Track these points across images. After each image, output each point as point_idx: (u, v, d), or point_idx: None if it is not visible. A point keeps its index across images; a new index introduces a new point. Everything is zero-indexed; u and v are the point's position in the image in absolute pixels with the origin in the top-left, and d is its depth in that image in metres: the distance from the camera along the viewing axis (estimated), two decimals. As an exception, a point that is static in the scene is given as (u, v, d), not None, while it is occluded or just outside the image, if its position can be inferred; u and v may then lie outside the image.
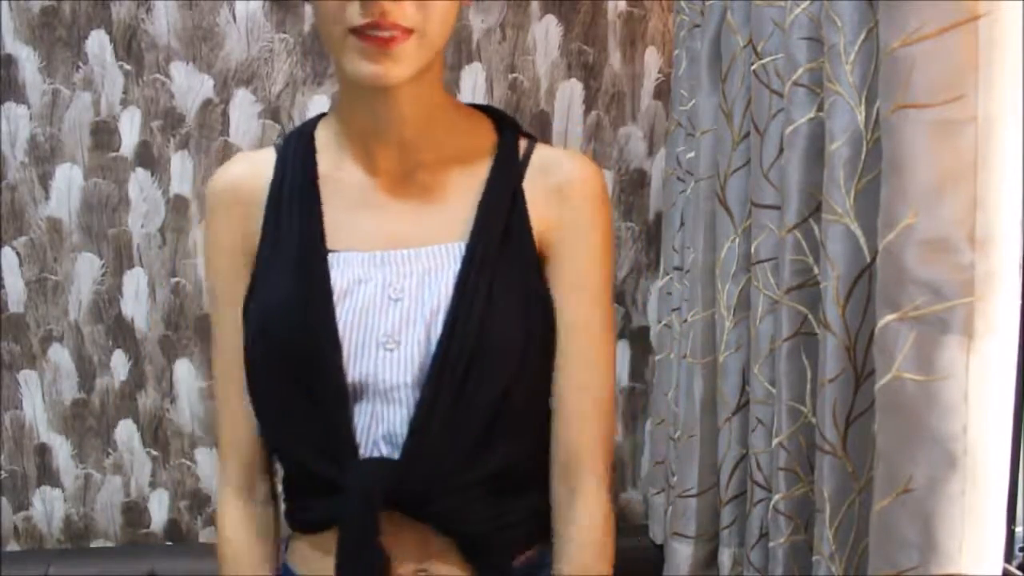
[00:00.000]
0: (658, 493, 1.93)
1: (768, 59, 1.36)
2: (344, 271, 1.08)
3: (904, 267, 0.98)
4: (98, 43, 1.93)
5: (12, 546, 2.06)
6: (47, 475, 2.04)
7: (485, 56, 1.99)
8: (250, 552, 1.20)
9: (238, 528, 1.20)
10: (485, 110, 1.20)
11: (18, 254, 1.97)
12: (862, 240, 1.11)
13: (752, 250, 1.41)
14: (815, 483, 1.21)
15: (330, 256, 1.09)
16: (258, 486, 1.22)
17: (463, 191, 1.12)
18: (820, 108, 1.22)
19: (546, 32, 2.01)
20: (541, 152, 1.16)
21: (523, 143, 1.17)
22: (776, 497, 1.32)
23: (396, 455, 1.06)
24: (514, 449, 1.11)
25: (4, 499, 2.04)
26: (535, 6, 1.99)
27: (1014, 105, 0.93)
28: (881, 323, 1.00)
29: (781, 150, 1.31)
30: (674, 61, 1.83)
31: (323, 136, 1.16)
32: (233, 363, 1.15)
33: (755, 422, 1.42)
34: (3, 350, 1.99)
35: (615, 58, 2.02)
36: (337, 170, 1.13)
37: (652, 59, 2.03)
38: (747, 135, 1.47)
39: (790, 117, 1.26)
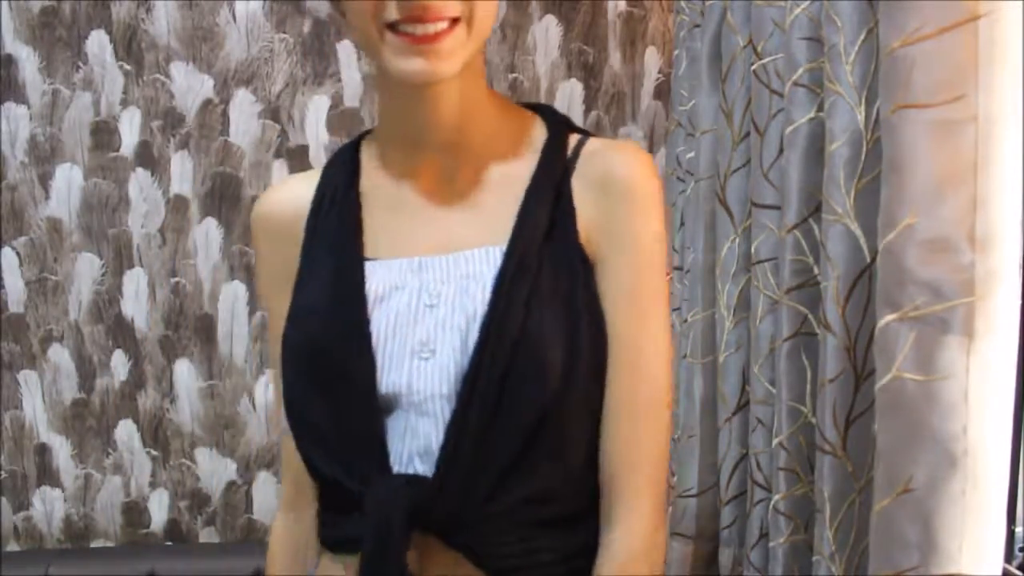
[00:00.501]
0: (658, 493, 1.93)
1: (768, 59, 1.36)
2: (381, 278, 1.02)
3: (904, 267, 0.98)
4: (98, 43, 1.93)
5: (12, 546, 2.05)
6: (47, 475, 2.04)
7: (485, 56, 1.99)
8: (278, 562, 1.17)
9: (277, 544, 1.18)
10: (536, 109, 1.12)
11: (18, 254, 1.97)
12: (862, 240, 1.11)
13: (752, 250, 1.40)
14: (815, 483, 1.21)
15: (368, 263, 1.03)
16: (306, 506, 1.13)
17: (506, 193, 1.04)
18: (820, 108, 1.21)
19: (546, 32, 2.01)
20: (591, 145, 1.05)
21: (573, 139, 1.07)
22: (776, 497, 1.32)
23: (431, 472, 0.98)
24: (556, 473, 1.01)
25: (4, 499, 2.04)
26: (535, 6, 1.99)
27: (1014, 105, 0.93)
28: (881, 323, 1.00)
29: (781, 150, 1.31)
30: (674, 61, 1.83)
31: (368, 148, 1.10)
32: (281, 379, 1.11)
33: (755, 422, 1.42)
34: (3, 350, 1.99)
35: (615, 58, 2.02)
36: (378, 179, 1.07)
37: (652, 59, 2.03)
38: (747, 135, 1.47)
39: (790, 117, 1.26)
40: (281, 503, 1.21)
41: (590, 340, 1.00)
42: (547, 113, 1.11)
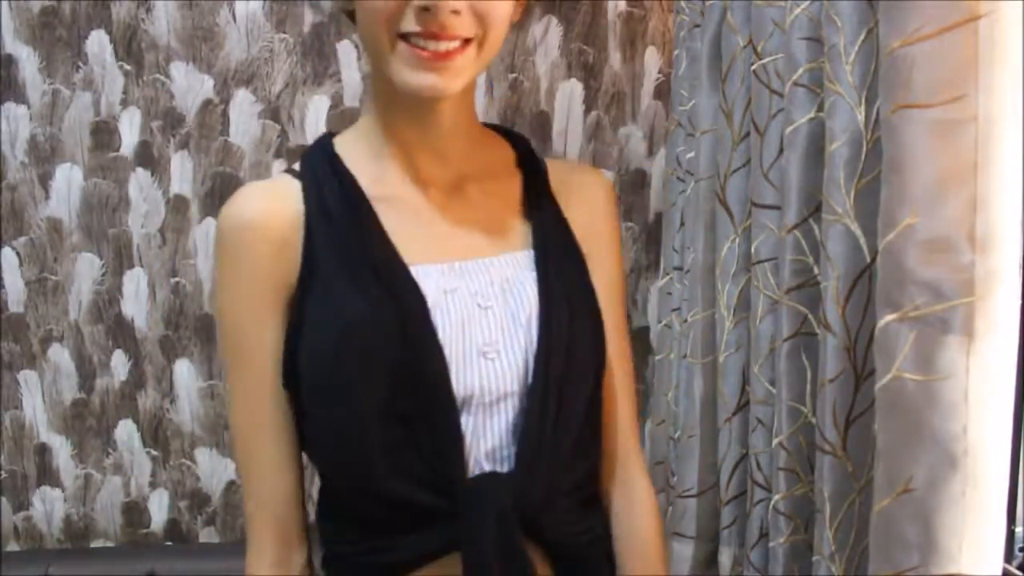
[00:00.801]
0: (658, 493, 1.93)
1: (768, 59, 1.36)
2: (428, 282, 1.01)
3: (904, 267, 0.97)
4: (98, 43, 1.93)
5: (12, 546, 2.06)
6: (47, 475, 2.04)
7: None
8: None
9: None
10: (496, 129, 1.20)
11: (18, 254, 1.97)
12: (862, 240, 1.11)
13: (752, 250, 1.40)
14: (815, 483, 1.21)
15: (411, 268, 1.02)
16: (294, 556, 1.08)
17: (507, 202, 1.12)
18: (820, 108, 1.21)
19: (546, 32, 2.01)
20: (554, 165, 1.17)
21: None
22: (776, 497, 1.32)
23: (501, 468, 1.00)
24: (591, 456, 1.12)
25: (4, 499, 2.04)
26: (535, 6, 2.00)
27: (1014, 105, 0.93)
28: (881, 323, 1.00)
29: (781, 150, 1.31)
30: (674, 61, 1.83)
31: (351, 151, 1.07)
32: (266, 410, 1.04)
33: (755, 422, 1.42)
34: (3, 350, 1.99)
35: (615, 58, 2.02)
36: (384, 185, 1.06)
37: (652, 59, 2.03)
38: (747, 135, 1.47)
39: (790, 117, 1.26)
40: (258, 561, 1.06)
41: (602, 332, 1.11)
42: (510, 133, 1.20)
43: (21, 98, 1.93)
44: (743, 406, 1.51)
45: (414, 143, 1.06)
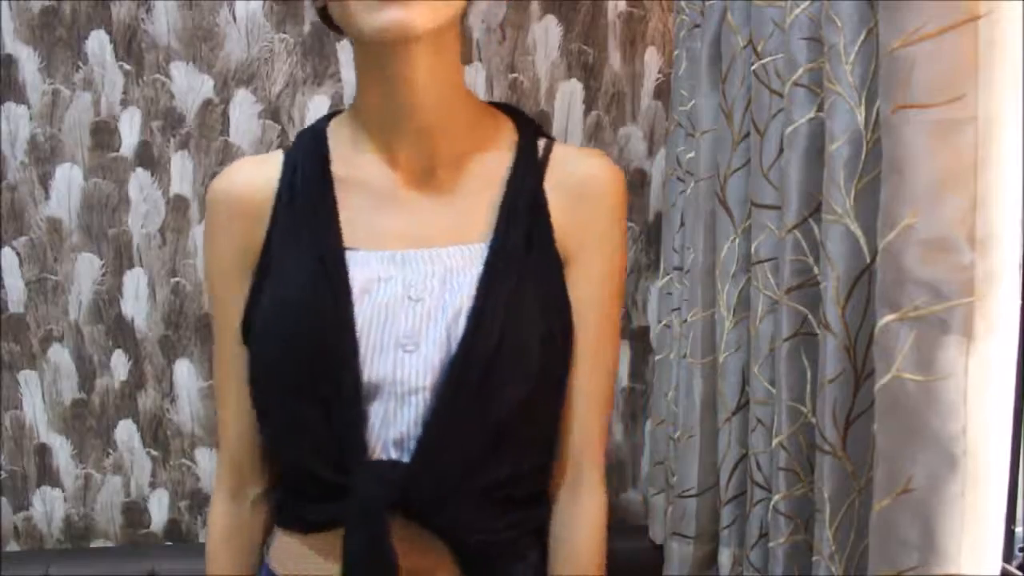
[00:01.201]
0: (658, 493, 1.93)
1: (768, 59, 1.36)
2: (363, 269, 1.04)
3: (904, 267, 0.98)
4: (98, 43, 1.93)
5: (12, 546, 2.06)
6: (47, 475, 2.04)
7: (485, 56, 1.99)
8: (222, 553, 1.20)
9: (219, 535, 1.20)
10: (504, 108, 1.16)
11: (18, 254, 1.97)
12: (862, 240, 1.11)
13: (752, 250, 1.40)
14: (815, 483, 1.21)
15: (348, 254, 1.05)
16: (247, 488, 1.21)
17: (484, 189, 1.09)
18: (820, 108, 1.21)
19: (546, 32, 2.01)
20: (560, 151, 1.13)
21: (542, 143, 1.14)
22: (776, 497, 1.32)
23: (405, 458, 1.03)
24: (525, 458, 1.09)
25: (4, 499, 2.04)
26: (535, 6, 2.00)
27: (1014, 105, 0.93)
28: (881, 323, 1.00)
29: (781, 150, 1.31)
30: (674, 61, 1.83)
31: (337, 132, 1.11)
32: (231, 364, 1.15)
33: (755, 422, 1.42)
34: (3, 350, 1.99)
35: (615, 58, 2.02)
36: (353, 167, 1.08)
37: (652, 59, 2.03)
38: (747, 135, 1.47)
39: (790, 117, 1.26)
40: (218, 491, 1.22)
41: (561, 329, 1.07)
42: (517, 115, 1.15)
43: (21, 98, 1.93)
44: (743, 406, 1.51)
45: (387, 118, 1.05)
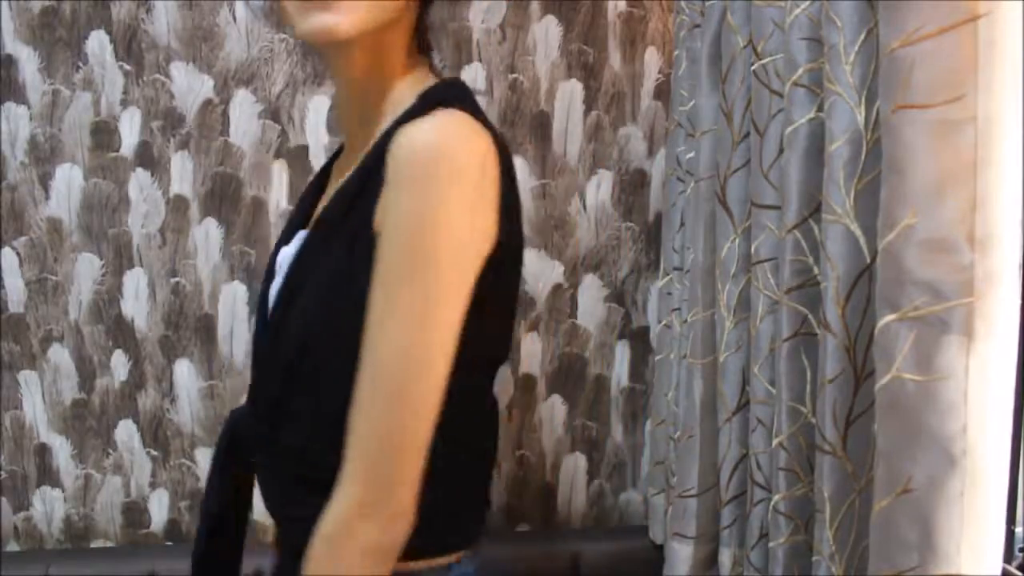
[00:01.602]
0: (658, 493, 1.93)
1: (768, 59, 1.36)
2: (287, 252, 1.15)
3: (904, 267, 0.98)
4: (98, 43, 1.93)
5: (12, 546, 2.05)
6: (47, 475, 2.04)
7: (485, 56, 1.99)
8: None
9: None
10: (444, 86, 1.09)
11: (18, 254, 1.97)
12: (862, 240, 1.11)
13: (752, 250, 1.40)
14: (815, 483, 1.21)
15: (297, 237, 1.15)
16: None
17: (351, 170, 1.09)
18: (820, 108, 1.22)
19: (546, 32, 2.01)
20: (410, 123, 0.98)
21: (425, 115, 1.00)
22: (776, 497, 1.32)
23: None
24: (314, 423, 1.05)
25: (4, 499, 2.04)
26: (535, 6, 2.00)
27: (1014, 105, 0.93)
28: (881, 323, 1.00)
29: (781, 150, 1.31)
30: (674, 61, 1.83)
31: None
32: None
33: (755, 422, 1.42)
34: (3, 350, 1.99)
35: (615, 58, 2.02)
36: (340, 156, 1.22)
37: (652, 59, 2.03)
38: (747, 135, 1.47)
39: (790, 117, 1.26)
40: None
41: (354, 312, 0.97)
42: (434, 88, 1.07)
43: (21, 98, 1.93)
44: (743, 406, 1.51)
45: (342, 110, 1.14)
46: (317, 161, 1.97)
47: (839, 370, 1.14)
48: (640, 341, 2.09)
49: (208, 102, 1.96)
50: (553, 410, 2.11)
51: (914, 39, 0.95)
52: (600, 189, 2.05)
